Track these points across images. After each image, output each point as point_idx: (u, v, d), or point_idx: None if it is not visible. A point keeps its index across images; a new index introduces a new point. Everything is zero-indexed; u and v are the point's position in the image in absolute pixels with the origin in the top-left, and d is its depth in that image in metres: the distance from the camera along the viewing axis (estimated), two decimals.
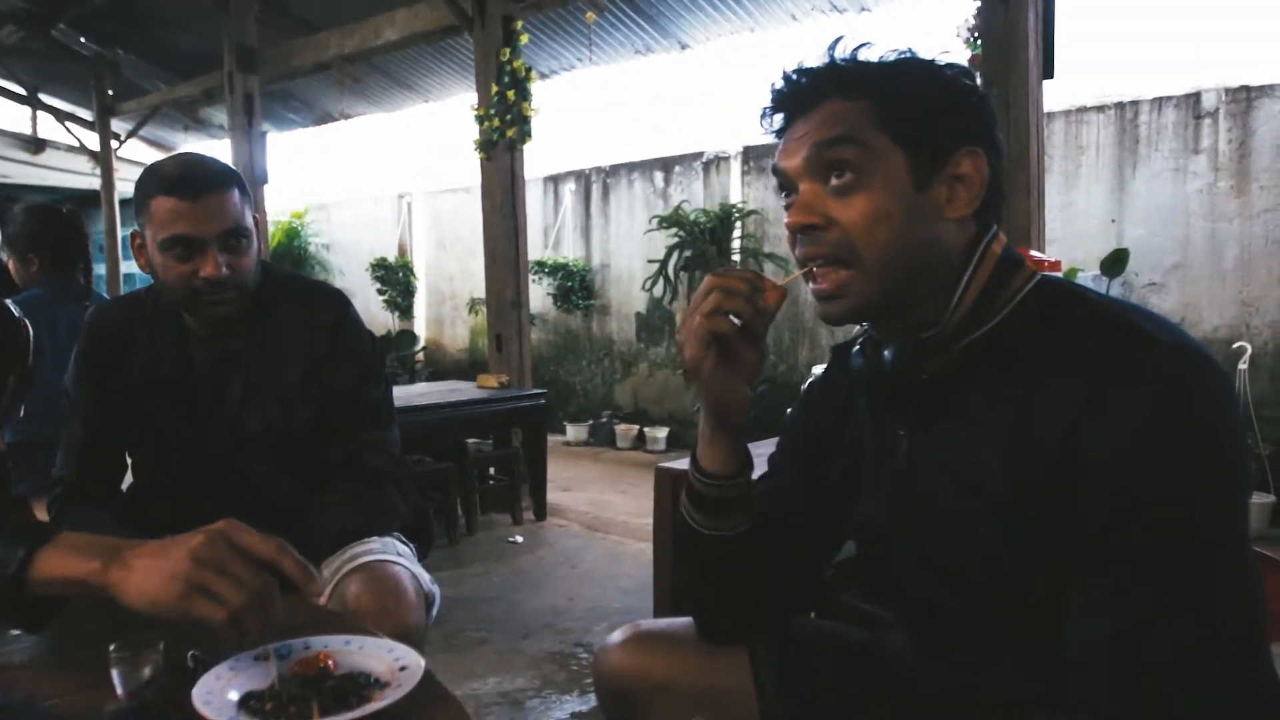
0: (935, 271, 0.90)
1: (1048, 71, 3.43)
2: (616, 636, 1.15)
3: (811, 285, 0.92)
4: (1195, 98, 4.63)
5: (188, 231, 1.40)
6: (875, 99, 0.89)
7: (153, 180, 1.42)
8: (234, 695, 0.85)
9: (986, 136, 0.91)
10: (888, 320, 0.94)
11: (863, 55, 0.92)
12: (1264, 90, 4.42)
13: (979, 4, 3.42)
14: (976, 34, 3.43)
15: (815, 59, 0.93)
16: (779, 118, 0.95)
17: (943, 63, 0.93)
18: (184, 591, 0.84)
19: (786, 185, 0.93)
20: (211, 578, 0.85)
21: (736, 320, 0.92)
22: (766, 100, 0.95)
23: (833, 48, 0.93)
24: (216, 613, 0.84)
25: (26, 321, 1.30)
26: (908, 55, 0.92)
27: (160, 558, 0.87)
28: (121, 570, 0.87)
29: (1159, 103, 4.75)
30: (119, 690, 0.85)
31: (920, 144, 0.88)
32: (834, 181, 0.88)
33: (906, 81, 0.90)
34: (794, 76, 0.93)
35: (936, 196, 0.89)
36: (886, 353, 0.93)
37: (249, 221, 1.47)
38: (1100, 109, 4.95)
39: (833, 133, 0.88)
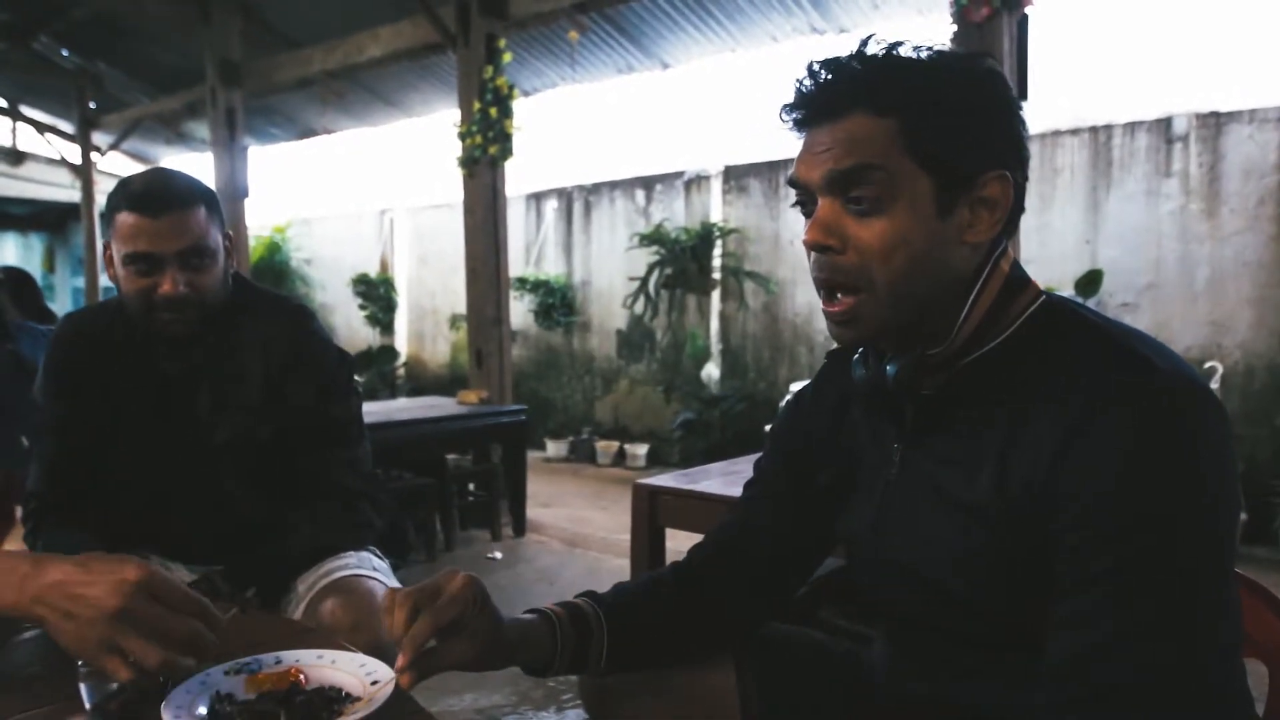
0: (946, 293, 0.88)
1: (1022, 94, 3.49)
2: None
3: (824, 307, 0.90)
4: (1167, 122, 4.72)
5: (147, 249, 1.39)
6: (904, 118, 0.84)
7: (119, 195, 1.42)
8: (202, 710, 0.85)
9: (1016, 155, 0.88)
10: (898, 341, 0.92)
11: (895, 54, 0.86)
12: (1233, 116, 4.51)
13: (955, 28, 3.49)
14: None
15: (844, 57, 0.87)
16: (799, 115, 0.89)
17: (978, 70, 0.87)
18: (95, 653, 0.81)
19: (803, 194, 0.90)
20: (127, 638, 0.81)
21: None
22: (789, 96, 0.89)
23: (864, 45, 0.87)
24: (123, 673, 0.81)
25: None
26: (941, 61, 0.87)
27: (75, 605, 0.82)
28: (40, 608, 0.84)
29: (1131, 127, 4.83)
30: (86, 704, 0.85)
31: (948, 169, 0.84)
32: (855, 200, 0.85)
33: (939, 100, 0.85)
34: (821, 76, 0.87)
35: (959, 221, 0.86)
36: (889, 367, 0.92)
37: (213, 240, 1.45)
38: (1074, 132, 5.03)
39: (858, 159, 0.84)
